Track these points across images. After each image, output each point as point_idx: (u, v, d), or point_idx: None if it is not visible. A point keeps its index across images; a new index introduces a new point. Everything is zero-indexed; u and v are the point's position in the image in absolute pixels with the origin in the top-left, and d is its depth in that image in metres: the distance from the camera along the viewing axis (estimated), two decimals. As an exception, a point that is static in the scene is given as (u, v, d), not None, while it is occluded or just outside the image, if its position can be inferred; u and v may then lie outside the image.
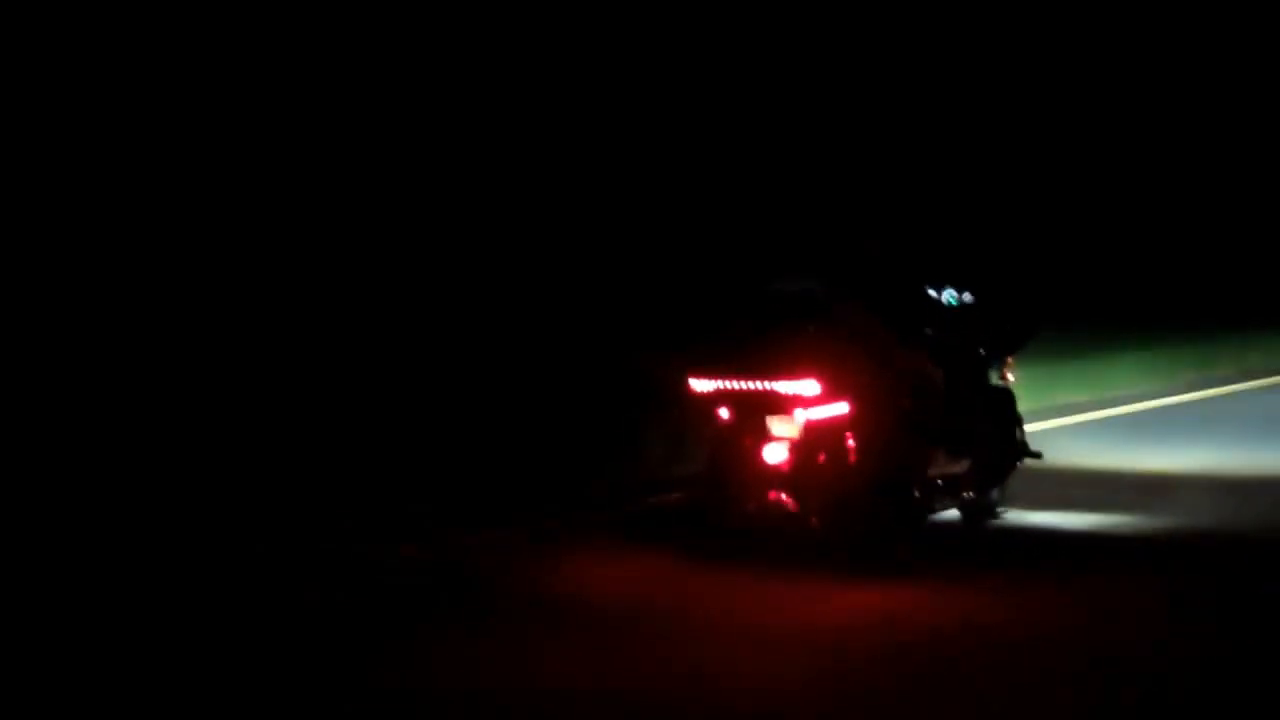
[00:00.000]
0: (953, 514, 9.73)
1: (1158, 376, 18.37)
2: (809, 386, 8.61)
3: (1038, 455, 10.11)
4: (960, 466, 9.47)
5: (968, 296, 9.93)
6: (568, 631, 7.50)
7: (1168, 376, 18.45)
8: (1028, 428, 10.42)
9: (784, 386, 8.65)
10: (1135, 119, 24.73)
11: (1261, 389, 18.28)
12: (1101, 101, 24.02)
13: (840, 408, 8.71)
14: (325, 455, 10.40)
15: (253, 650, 7.17)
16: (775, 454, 8.72)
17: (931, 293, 9.78)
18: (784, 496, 8.69)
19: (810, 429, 8.67)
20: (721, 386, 8.85)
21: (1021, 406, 10.31)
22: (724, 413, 8.88)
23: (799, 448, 8.68)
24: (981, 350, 9.95)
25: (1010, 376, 10.16)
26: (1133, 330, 19.35)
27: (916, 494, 9.14)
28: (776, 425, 8.74)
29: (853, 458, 8.77)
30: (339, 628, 7.57)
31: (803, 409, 8.64)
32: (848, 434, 8.76)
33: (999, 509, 9.98)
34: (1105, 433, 14.44)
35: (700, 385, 8.93)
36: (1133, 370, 18.32)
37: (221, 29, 13.28)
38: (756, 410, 8.76)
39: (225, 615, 7.72)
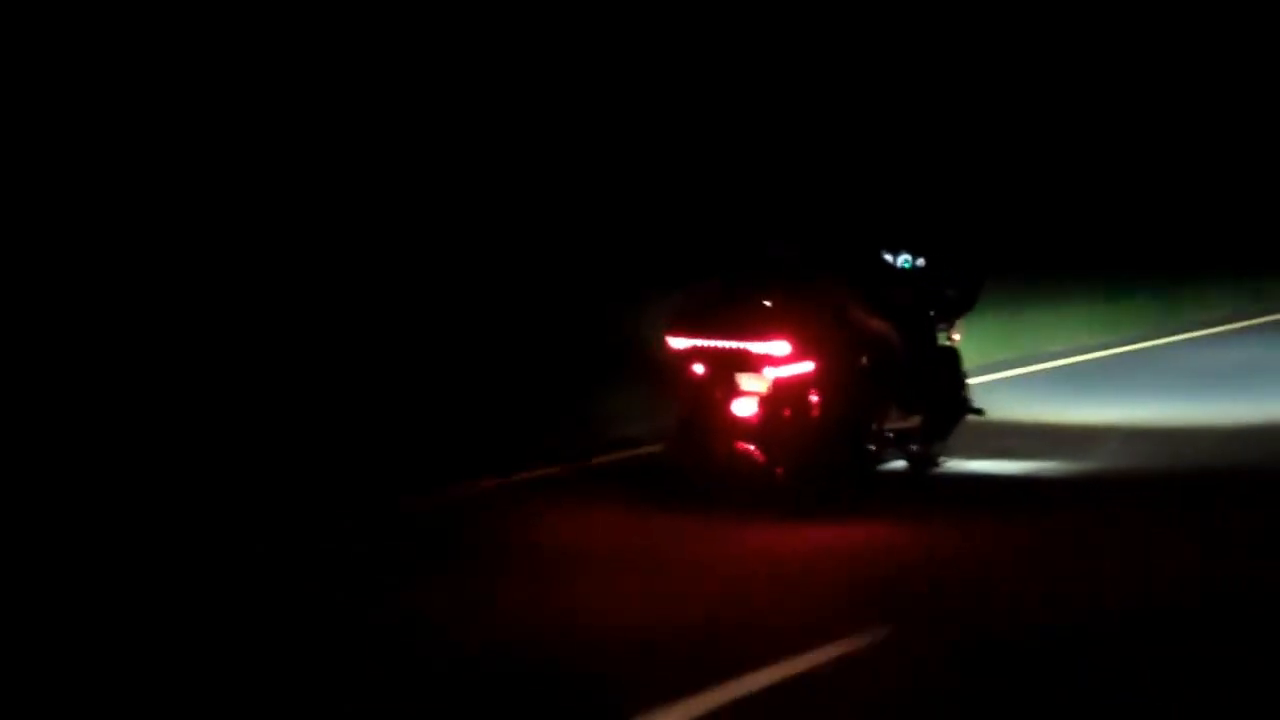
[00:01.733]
0: (899, 464, 10.50)
1: (1105, 328, 19.39)
2: (780, 346, 9.32)
3: (980, 411, 10.89)
4: (911, 421, 10.24)
5: (920, 261, 10.66)
6: (545, 576, 8.07)
7: (1115, 328, 19.48)
8: (974, 381, 11.25)
9: (756, 346, 9.36)
10: (1087, 72, 25.35)
11: (1202, 340, 19.35)
12: (1051, 56, 24.58)
13: (806, 366, 9.43)
14: (289, 418, 10.83)
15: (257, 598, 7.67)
16: (745, 408, 9.44)
17: (887, 257, 10.51)
18: (752, 447, 9.41)
19: (779, 385, 9.39)
20: (697, 345, 9.54)
21: (970, 361, 11.14)
22: (698, 369, 9.58)
23: (768, 402, 9.40)
24: (931, 312, 10.70)
25: (957, 336, 10.91)
26: (1080, 283, 20.23)
27: (872, 446, 9.91)
28: (747, 381, 9.45)
29: (816, 412, 9.50)
30: (320, 579, 8.05)
31: (773, 367, 9.36)
32: (813, 390, 9.48)
33: (941, 459, 10.76)
34: (1048, 384, 15.44)
35: (677, 343, 9.62)
36: (1080, 322, 19.30)
37: (221, 29, 13.51)
38: (729, 367, 9.47)
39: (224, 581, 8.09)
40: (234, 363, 11.52)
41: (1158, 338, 19.35)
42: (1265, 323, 21.51)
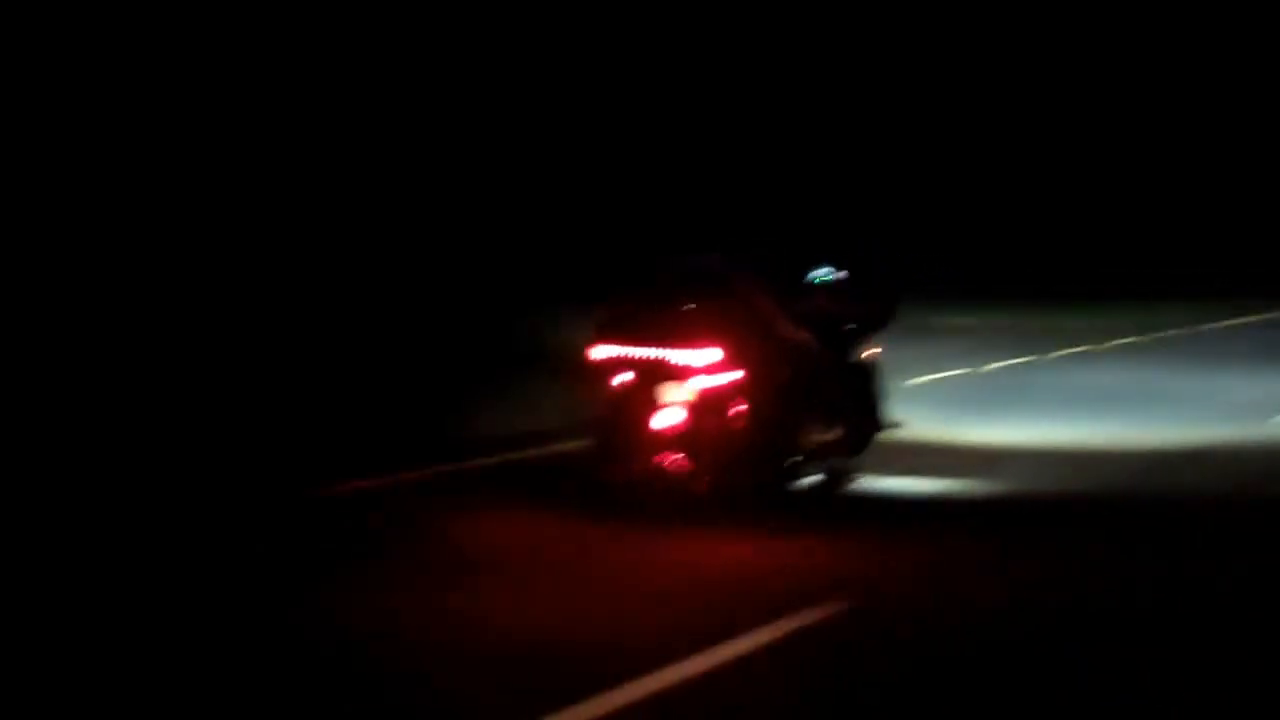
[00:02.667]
0: (815, 478, 10.47)
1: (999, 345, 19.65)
2: (709, 355, 9.27)
3: (897, 425, 10.90)
4: (832, 433, 10.22)
5: (840, 274, 10.67)
6: (455, 577, 8.00)
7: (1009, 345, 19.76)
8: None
9: (682, 355, 9.30)
10: (1003, 111, 25.67)
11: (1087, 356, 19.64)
12: (963, 95, 24.86)
13: (732, 375, 9.39)
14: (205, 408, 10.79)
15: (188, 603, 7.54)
16: (670, 417, 9.36)
17: (810, 273, 10.52)
18: (679, 457, 9.33)
19: (705, 395, 9.33)
20: (621, 353, 9.46)
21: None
22: (622, 377, 9.49)
23: (696, 411, 9.34)
24: (850, 325, 10.70)
25: (874, 351, 10.93)
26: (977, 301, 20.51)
27: (795, 459, 9.88)
28: (672, 391, 9.38)
29: (741, 423, 9.45)
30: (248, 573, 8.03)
31: (699, 376, 9.30)
32: (738, 401, 9.44)
33: (855, 474, 10.76)
34: (953, 394, 15.58)
35: (601, 351, 9.53)
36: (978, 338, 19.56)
37: (220, 29, 13.35)
38: (654, 376, 9.40)
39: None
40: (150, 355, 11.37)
41: (1048, 353, 19.69)
42: (1152, 340, 21.96)
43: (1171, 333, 22.52)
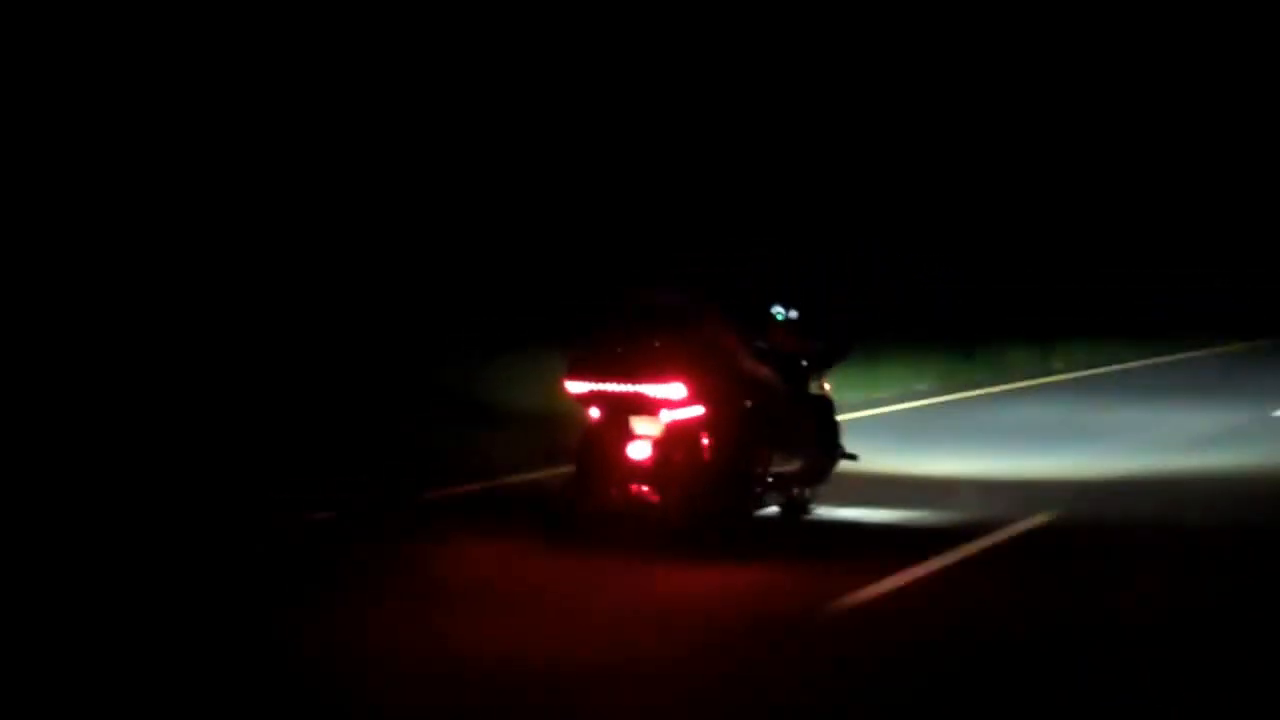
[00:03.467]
0: (772, 509, 10.85)
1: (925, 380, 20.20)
2: (675, 390, 9.65)
3: (854, 457, 11.31)
4: (791, 465, 10.61)
5: (793, 313, 11.09)
6: (428, 607, 8.21)
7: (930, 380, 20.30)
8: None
9: (651, 389, 9.67)
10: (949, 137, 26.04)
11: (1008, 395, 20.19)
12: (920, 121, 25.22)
13: (698, 410, 9.77)
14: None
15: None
16: (640, 450, 9.73)
17: (769, 309, 10.94)
18: (646, 489, 9.70)
19: (672, 428, 9.71)
20: (594, 388, 9.82)
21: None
22: (595, 412, 9.85)
23: (661, 445, 9.71)
24: (804, 362, 11.12)
25: (827, 386, 11.34)
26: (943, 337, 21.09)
27: (757, 490, 10.27)
28: (642, 425, 9.75)
29: (707, 455, 9.83)
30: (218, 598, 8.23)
31: (667, 410, 9.68)
32: (703, 434, 9.82)
33: (811, 505, 11.14)
34: (888, 429, 16.00)
35: (575, 387, 9.89)
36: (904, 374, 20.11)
37: (220, 29, 13.47)
38: (625, 410, 9.77)
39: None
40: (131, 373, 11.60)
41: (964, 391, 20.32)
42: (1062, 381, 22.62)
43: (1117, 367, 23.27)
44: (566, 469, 10.52)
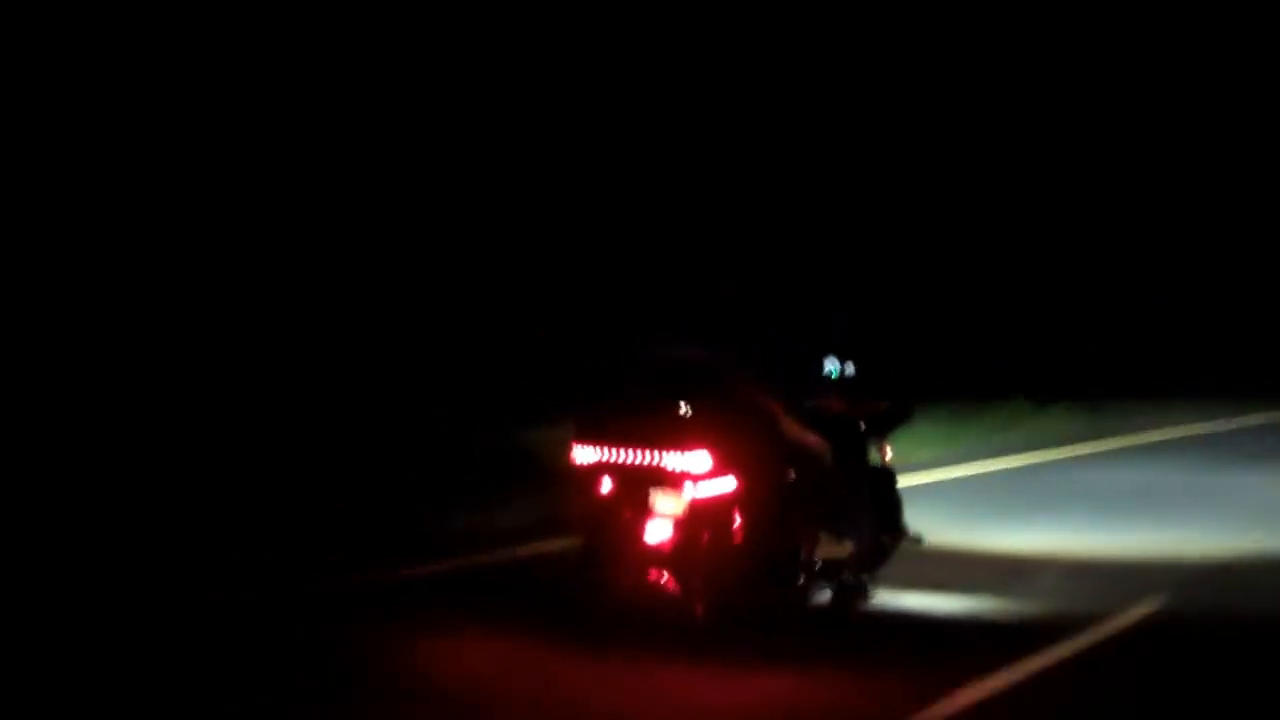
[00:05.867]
0: (824, 597, 9.27)
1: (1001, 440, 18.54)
2: (698, 460, 8.09)
3: (918, 540, 9.72)
4: (842, 549, 9.03)
5: (850, 368, 9.51)
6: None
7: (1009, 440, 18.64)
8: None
9: (671, 459, 8.12)
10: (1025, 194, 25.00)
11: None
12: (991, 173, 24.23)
13: (728, 484, 8.22)
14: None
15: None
16: (658, 531, 8.17)
17: (818, 363, 9.35)
18: (666, 576, 8.14)
19: (696, 506, 8.15)
20: (605, 456, 8.29)
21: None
22: (606, 485, 8.32)
23: (684, 525, 8.14)
24: (862, 426, 9.54)
25: (889, 454, 9.75)
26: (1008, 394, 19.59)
27: (800, 578, 8.68)
28: (661, 501, 8.20)
29: (739, 538, 8.27)
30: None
31: (690, 483, 8.12)
32: (734, 512, 8.27)
33: (871, 590, 9.55)
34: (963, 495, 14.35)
35: (583, 455, 8.36)
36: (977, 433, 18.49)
37: (220, 29, 12.76)
38: (641, 483, 8.22)
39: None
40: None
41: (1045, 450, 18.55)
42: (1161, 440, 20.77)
43: (1185, 431, 21.36)
44: (575, 542, 8.95)
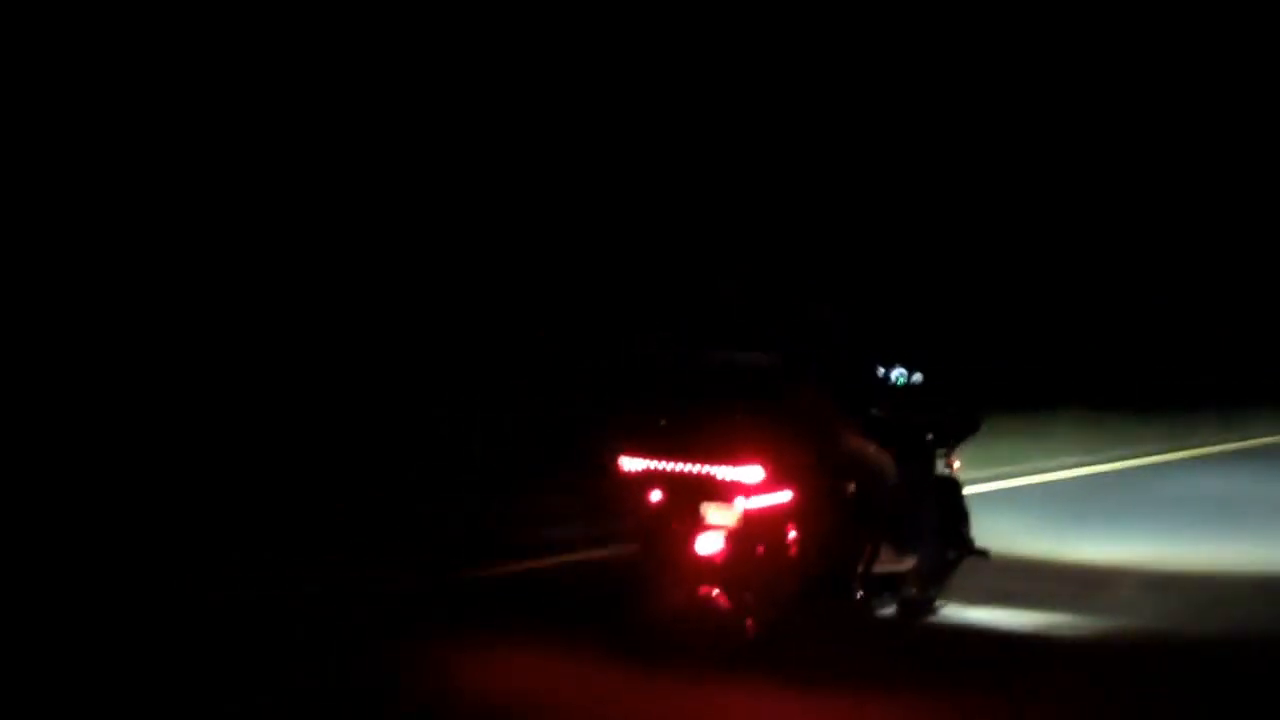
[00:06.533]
0: (886, 612, 8.93)
1: (1086, 447, 18.05)
2: (752, 472, 7.80)
3: (985, 554, 9.38)
4: (905, 563, 8.71)
5: (917, 376, 9.19)
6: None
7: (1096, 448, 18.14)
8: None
9: (724, 470, 7.83)
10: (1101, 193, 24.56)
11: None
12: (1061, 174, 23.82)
13: (784, 496, 7.93)
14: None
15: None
16: (710, 544, 7.88)
17: (880, 370, 9.04)
18: (717, 592, 7.85)
19: (750, 518, 7.86)
20: (655, 467, 8.01)
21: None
22: (655, 496, 8.04)
23: (737, 538, 7.85)
24: (929, 435, 9.22)
25: (956, 464, 9.42)
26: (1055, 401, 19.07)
27: (859, 593, 8.37)
28: (713, 513, 7.91)
29: (795, 551, 7.98)
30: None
31: (744, 496, 7.83)
32: (790, 525, 7.97)
33: (937, 604, 9.23)
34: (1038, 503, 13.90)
35: (630, 465, 8.09)
36: (1061, 440, 18.00)
37: (221, 29, 12.72)
38: (692, 495, 7.92)
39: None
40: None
41: (1135, 458, 17.99)
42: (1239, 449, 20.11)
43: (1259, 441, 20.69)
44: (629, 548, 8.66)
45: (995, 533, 9.97)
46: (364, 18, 14.43)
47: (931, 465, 9.22)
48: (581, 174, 15.67)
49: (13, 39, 11.86)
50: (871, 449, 8.52)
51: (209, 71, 13.20)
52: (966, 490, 9.55)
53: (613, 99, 16.18)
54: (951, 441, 9.32)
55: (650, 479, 8.02)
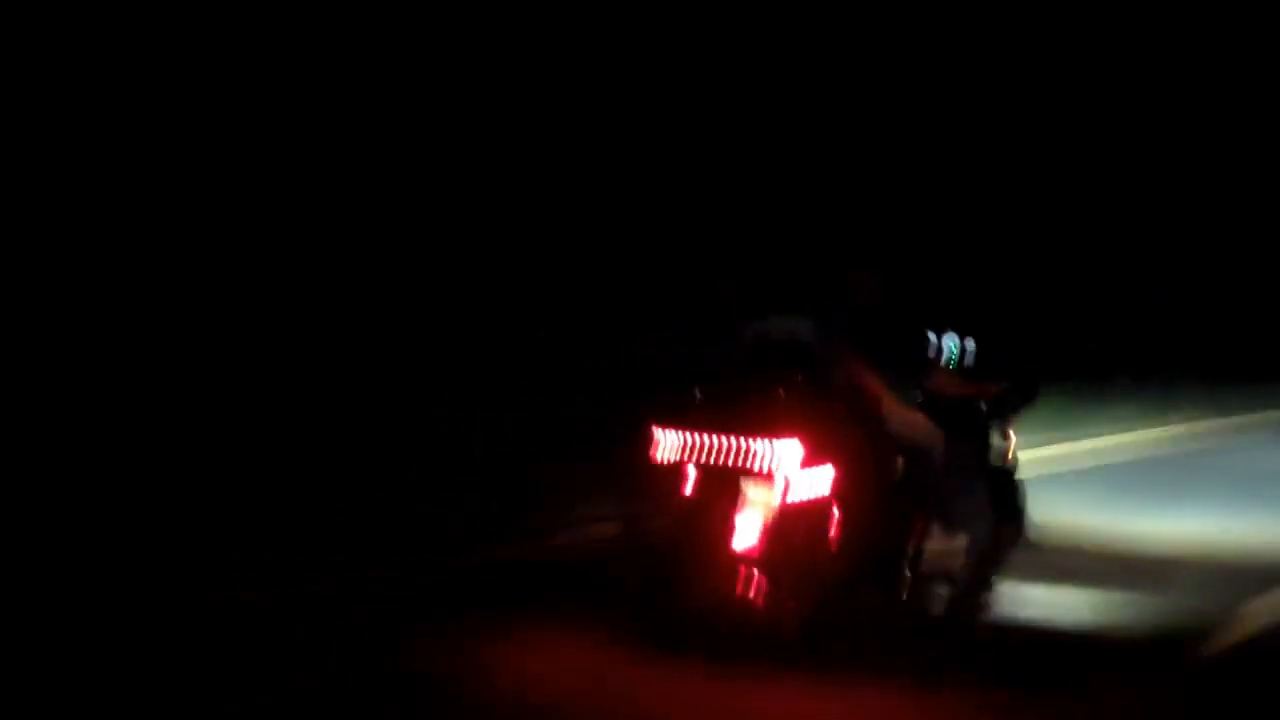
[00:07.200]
0: (938, 594, 8.33)
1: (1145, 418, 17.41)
2: (790, 449, 7.21)
3: (1039, 538, 8.77)
4: (956, 545, 8.11)
5: (970, 344, 8.57)
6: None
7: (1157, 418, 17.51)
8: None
9: (760, 448, 7.25)
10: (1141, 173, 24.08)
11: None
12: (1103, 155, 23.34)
13: (825, 473, 7.34)
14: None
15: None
16: (747, 526, 7.30)
17: (931, 337, 8.42)
18: (755, 577, 7.27)
19: (789, 499, 7.27)
20: (687, 443, 7.43)
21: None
22: (688, 475, 7.46)
23: (775, 520, 7.26)
24: (983, 406, 8.59)
25: (1012, 440, 8.79)
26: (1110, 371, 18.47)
27: (908, 574, 7.77)
28: (750, 493, 7.32)
29: (838, 533, 7.39)
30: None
31: (782, 476, 7.23)
32: (832, 507, 7.38)
33: (990, 590, 8.62)
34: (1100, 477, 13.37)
35: (662, 440, 7.50)
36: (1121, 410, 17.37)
37: (221, 29, 12.82)
38: (727, 475, 7.34)
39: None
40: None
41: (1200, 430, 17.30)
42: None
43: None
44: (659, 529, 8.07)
45: (1042, 513, 9.39)
46: (364, 18, 14.14)
47: (986, 440, 8.60)
48: (581, 174, 15.32)
49: (13, 39, 11.75)
50: (921, 422, 7.91)
51: (209, 71, 13.05)
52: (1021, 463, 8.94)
53: (613, 99, 15.80)
54: (1008, 413, 8.70)
55: (682, 462, 7.44)
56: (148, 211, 12.29)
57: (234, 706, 6.42)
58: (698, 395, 7.58)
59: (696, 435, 7.40)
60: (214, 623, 7.64)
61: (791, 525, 7.27)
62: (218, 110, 13.07)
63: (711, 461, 7.37)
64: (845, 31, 18.39)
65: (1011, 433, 8.75)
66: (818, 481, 7.33)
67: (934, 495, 7.89)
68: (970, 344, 8.50)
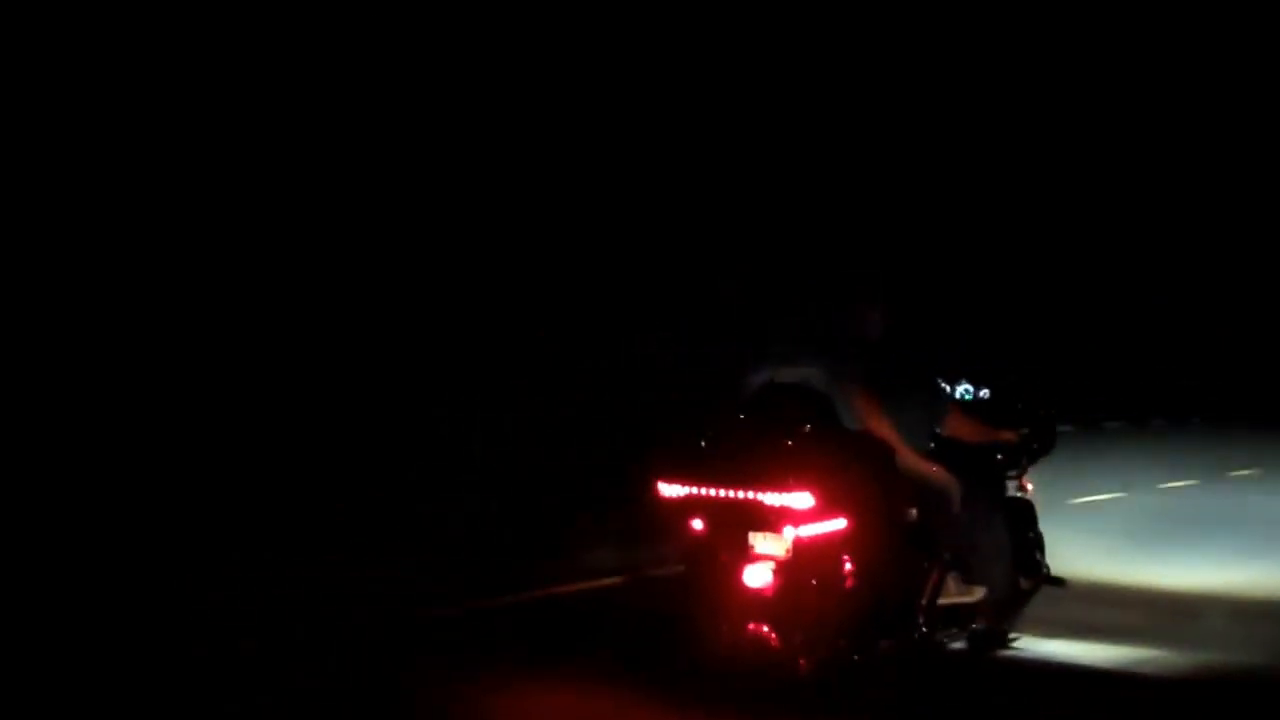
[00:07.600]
0: (955, 647, 8.27)
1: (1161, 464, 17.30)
2: (801, 498, 7.18)
3: (1060, 583, 8.70)
4: (973, 594, 8.05)
5: (984, 392, 8.55)
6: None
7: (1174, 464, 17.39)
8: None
9: (772, 497, 7.21)
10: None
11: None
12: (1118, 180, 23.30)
13: (837, 524, 7.29)
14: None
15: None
16: (758, 577, 7.26)
17: (944, 386, 8.39)
18: (766, 629, 7.22)
19: (802, 548, 7.23)
20: (697, 493, 7.40)
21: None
22: (698, 525, 7.43)
23: (786, 570, 7.23)
24: (999, 456, 8.55)
25: (1029, 487, 8.75)
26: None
27: (922, 628, 7.71)
28: (761, 543, 7.29)
29: (849, 584, 7.34)
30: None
31: (793, 525, 7.20)
32: (844, 556, 7.34)
33: (1010, 638, 8.55)
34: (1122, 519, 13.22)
35: (671, 490, 7.48)
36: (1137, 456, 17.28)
37: (222, 29, 12.46)
38: (738, 524, 7.31)
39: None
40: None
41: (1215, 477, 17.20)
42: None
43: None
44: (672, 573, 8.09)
45: (1071, 556, 9.28)
46: (364, 18, 14.19)
47: (1002, 488, 8.56)
48: (582, 175, 15.32)
49: (13, 39, 11.79)
50: (935, 471, 7.87)
51: (210, 73, 13.02)
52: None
53: (614, 100, 15.82)
54: (1024, 462, 8.66)
55: (692, 506, 7.42)
56: (150, 215, 12.38)
57: (234, 706, 6.47)
58: (703, 442, 7.54)
59: (704, 486, 7.37)
60: (214, 622, 7.66)
61: (804, 575, 7.23)
62: (220, 114, 13.14)
63: (721, 512, 7.34)
64: (846, 31, 18.37)
65: (1028, 481, 8.72)
66: (830, 531, 7.29)
67: (949, 545, 7.84)
68: (984, 392, 8.49)
